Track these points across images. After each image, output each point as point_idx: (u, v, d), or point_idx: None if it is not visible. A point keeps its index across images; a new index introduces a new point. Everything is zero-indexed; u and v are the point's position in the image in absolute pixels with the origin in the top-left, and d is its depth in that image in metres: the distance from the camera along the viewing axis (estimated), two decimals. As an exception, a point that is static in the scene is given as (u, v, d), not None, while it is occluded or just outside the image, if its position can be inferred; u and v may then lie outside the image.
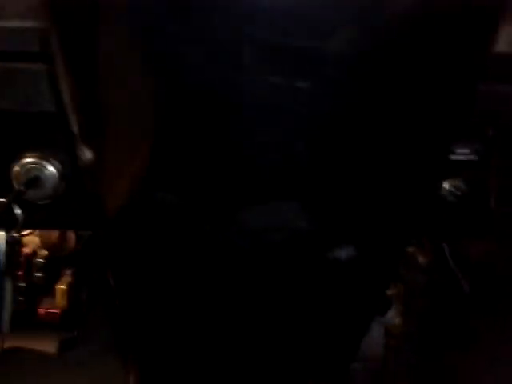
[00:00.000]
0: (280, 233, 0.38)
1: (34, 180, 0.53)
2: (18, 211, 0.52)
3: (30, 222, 0.57)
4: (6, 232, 0.53)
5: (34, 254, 0.76)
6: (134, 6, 0.27)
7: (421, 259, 0.78)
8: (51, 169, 0.54)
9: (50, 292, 0.80)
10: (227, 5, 0.26)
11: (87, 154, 0.36)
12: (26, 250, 0.75)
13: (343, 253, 0.40)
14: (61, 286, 0.81)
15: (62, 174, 0.55)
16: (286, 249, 0.39)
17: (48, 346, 0.82)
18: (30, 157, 0.54)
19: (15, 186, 0.54)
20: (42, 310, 0.80)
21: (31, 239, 0.76)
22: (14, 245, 0.52)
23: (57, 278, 0.81)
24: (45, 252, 0.76)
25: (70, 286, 0.81)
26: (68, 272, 0.81)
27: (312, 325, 0.45)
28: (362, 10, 0.27)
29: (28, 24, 0.49)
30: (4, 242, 0.52)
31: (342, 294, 0.43)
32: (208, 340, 0.46)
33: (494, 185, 0.52)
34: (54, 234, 0.73)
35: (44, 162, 0.54)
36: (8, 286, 0.52)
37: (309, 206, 0.36)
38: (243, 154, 0.33)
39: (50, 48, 0.46)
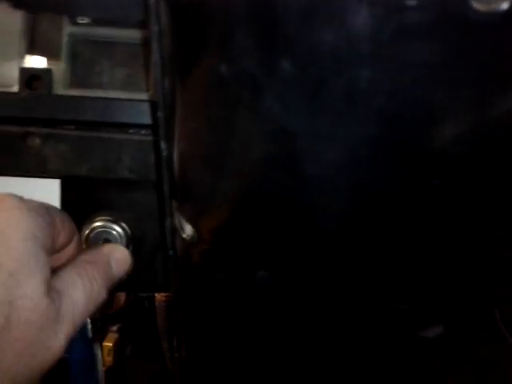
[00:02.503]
0: (370, 313, 0.38)
1: (105, 244, 0.53)
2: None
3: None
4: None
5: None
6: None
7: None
8: (120, 231, 0.55)
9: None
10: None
11: (187, 230, 0.37)
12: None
13: (431, 331, 0.40)
14: (107, 344, 0.80)
15: (130, 237, 0.56)
16: (374, 329, 0.39)
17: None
18: (99, 220, 0.55)
19: (85, 249, 0.55)
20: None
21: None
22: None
23: (103, 335, 0.81)
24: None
25: (116, 343, 0.81)
26: (114, 328, 0.81)
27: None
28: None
29: (113, 94, 0.51)
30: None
31: (426, 371, 0.42)
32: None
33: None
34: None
35: (113, 225, 0.55)
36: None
37: (403, 289, 0.37)
38: (332, 244, 0.33)
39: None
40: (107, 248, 0.50)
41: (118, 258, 0.49)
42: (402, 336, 0.39)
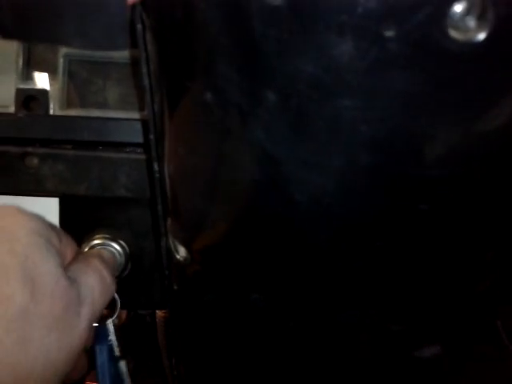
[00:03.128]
0: (365, 333, 0.38)
1: (105, 263, 0.54)
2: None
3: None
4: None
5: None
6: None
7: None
8: (118, 249, 0.56)
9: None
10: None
11: (181, 251, 0.37)
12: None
13: (427, 351, 0.40)
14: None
15: (129, 255, 0.56)
16: (368, 349, 0.39)
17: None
18: (98, 238, 0.56)
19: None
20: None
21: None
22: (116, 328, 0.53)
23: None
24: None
25: (119, 357, 0.80)
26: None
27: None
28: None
29: (109, 114, 0.51)
30: (112, 326, 0.52)
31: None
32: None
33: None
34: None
35: (111, 243, 0.56)
36: (125, 369, 0.52)
37: (395, 310, 0.37)
38: (331, 264, 0.33)
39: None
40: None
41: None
42: (396, 356, 0.39)
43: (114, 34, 0.27)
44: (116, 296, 0.50)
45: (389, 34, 0.22)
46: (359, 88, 0.24)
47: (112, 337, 0.52)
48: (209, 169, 0.30)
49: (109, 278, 0.45)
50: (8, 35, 0.27)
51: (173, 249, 0.39)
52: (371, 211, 0.29)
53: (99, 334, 0.53)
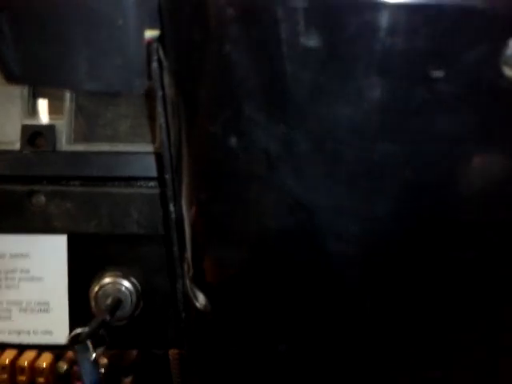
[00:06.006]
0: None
1: (117, 304, 0.51)
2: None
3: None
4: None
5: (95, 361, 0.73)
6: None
7: None
8: (130, 287, 0.53)
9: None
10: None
11: (200, 299, 0.35)
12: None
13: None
14: (121, 395, 0.78)
15: (140, 293, 0.54)
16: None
17: None
18: (108, 276, 0.53)
19: (94, 308, 0.53)
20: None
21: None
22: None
23: (117, 386, 0.79)
24: (105, 360, 0.73)
25: (130, 394, 0.78)
26: (127, 380, 0.79)
27: None
28: None
29: (119, 147, 0.49)
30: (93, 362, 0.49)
31: None
32: None
33: None
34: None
35: (122, 281, 0.53)
36: None
37: (429, 356, 0.34)
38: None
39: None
40: None
41: None
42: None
43: (130, 75, 0.25)
44: (104, 333, 0.48)
45: (437, 74, 0.20)
46: (403, 132, 0.22)
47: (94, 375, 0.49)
48: (234, 216, 0.28)
49: None
50: (14, 80, 0.26)
51: (191, 295, 0.37)
52: (413, 260, 0.27)
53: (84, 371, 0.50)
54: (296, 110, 0.23)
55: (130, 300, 0.53)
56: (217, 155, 0.27)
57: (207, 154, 0.27)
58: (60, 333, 0.55)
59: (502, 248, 0.26)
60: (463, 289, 0.28)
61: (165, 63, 0.27)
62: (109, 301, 0.52)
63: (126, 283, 0.53)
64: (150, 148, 0.50)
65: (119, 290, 0.53)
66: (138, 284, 0.54)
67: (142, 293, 0.54)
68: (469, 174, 0.23)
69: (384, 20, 0.20)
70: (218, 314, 0.35)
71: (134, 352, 0.73)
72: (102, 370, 0.71)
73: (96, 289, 0.53)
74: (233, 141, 0.25)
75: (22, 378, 0.62)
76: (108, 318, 0.49)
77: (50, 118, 0.51)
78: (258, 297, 0.31)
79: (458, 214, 0.24)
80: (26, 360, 0.62)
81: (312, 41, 0.20)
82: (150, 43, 0.28)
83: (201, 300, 0.35)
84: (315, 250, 0.27)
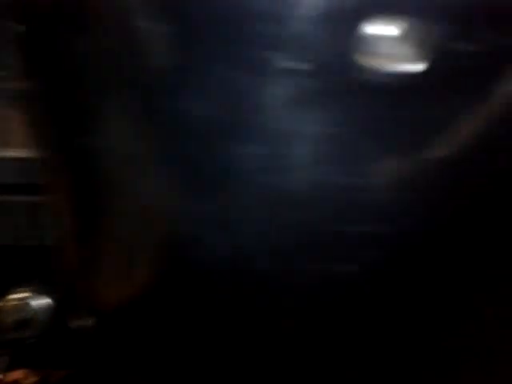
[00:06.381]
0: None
1: (24, 322, 0.47)
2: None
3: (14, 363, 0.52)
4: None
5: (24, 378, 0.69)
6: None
7: None
8: (41, 305, 0.49)
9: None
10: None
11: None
12: (14, 376, 0.69)
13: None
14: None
15: (52, 311, 0.50)
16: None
17: None
18: (18, 292, 0.49)
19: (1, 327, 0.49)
20: None
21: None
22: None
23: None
24: (34, 379, 0.69)
25: None
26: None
27: None
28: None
29: (24, 154, 0.45)
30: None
31: None
32: None
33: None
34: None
35: (34, 299, 0.49)
36: None
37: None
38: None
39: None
40: None
41: None
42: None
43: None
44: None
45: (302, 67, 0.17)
46: (266, 131, 0.19)
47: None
48: (99, 227, 0.25)
49: None
50: None
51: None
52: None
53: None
54: (149, 106, 0.20)
55: (40, 317, 0.49)
56: (74, 157, 0.24)
57: (64, 156, 0.24)
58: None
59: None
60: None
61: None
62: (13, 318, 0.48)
63: (36, 299, 0.49)
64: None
65: (29, 308, 0.49)
66: (48, 300, 0.50)
67: (53, 310, 0.50)
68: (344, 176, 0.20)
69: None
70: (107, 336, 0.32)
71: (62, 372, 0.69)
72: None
73: (1, 305, 0.49)
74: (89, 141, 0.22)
75: None
76: (11, 335, 0.45)
77: None
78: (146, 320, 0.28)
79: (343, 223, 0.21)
80: None
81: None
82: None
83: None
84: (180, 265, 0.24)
